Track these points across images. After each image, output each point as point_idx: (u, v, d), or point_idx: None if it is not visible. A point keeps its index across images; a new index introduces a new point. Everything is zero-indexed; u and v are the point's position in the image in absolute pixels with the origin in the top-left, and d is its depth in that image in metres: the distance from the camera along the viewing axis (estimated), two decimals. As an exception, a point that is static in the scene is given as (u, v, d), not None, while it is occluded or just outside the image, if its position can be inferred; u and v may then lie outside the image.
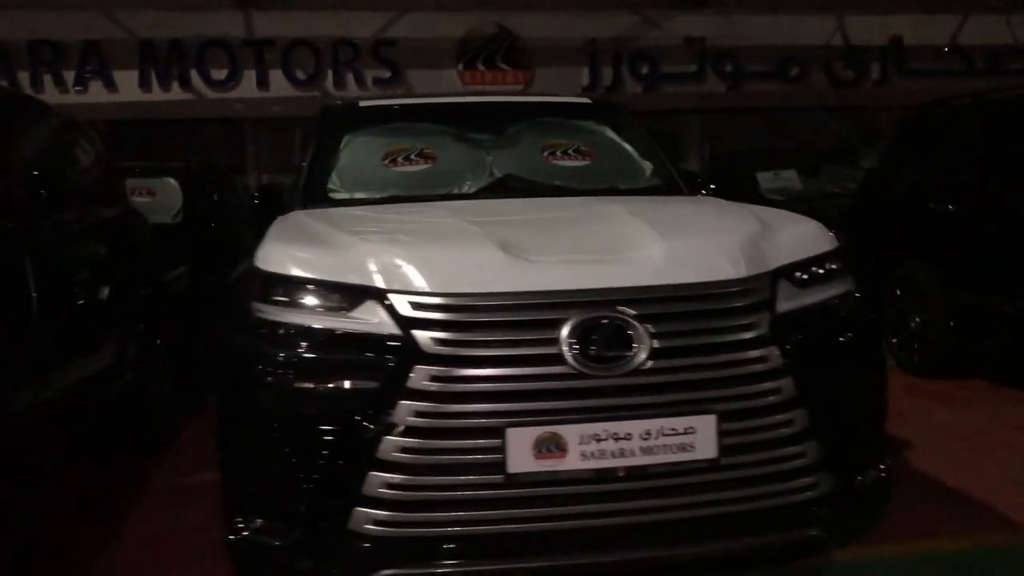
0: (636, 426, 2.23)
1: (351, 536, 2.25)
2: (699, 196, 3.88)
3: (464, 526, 2.22)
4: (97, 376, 3.91)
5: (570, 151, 3.97)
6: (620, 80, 12.61)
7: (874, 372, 2.64)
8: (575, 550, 2.25)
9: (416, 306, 2.30)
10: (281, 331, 2.40)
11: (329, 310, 2.39)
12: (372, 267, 2.41)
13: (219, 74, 11.92)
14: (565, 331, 2.25)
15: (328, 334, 2.36)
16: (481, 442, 2.21)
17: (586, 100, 4.69)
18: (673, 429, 2.24)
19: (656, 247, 2.47)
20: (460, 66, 12.29)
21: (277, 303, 2.44)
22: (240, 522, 2.42)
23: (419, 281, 2.34)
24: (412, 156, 3.88)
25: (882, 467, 2.61)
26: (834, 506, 2.42)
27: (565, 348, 2.24)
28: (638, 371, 2.24)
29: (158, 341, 4.80)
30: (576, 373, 2.23)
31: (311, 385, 2.34)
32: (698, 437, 2.26)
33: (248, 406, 2.42)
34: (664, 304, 2.32)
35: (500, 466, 2.20)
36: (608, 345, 2.24)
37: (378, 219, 3.12)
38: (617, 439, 2.22)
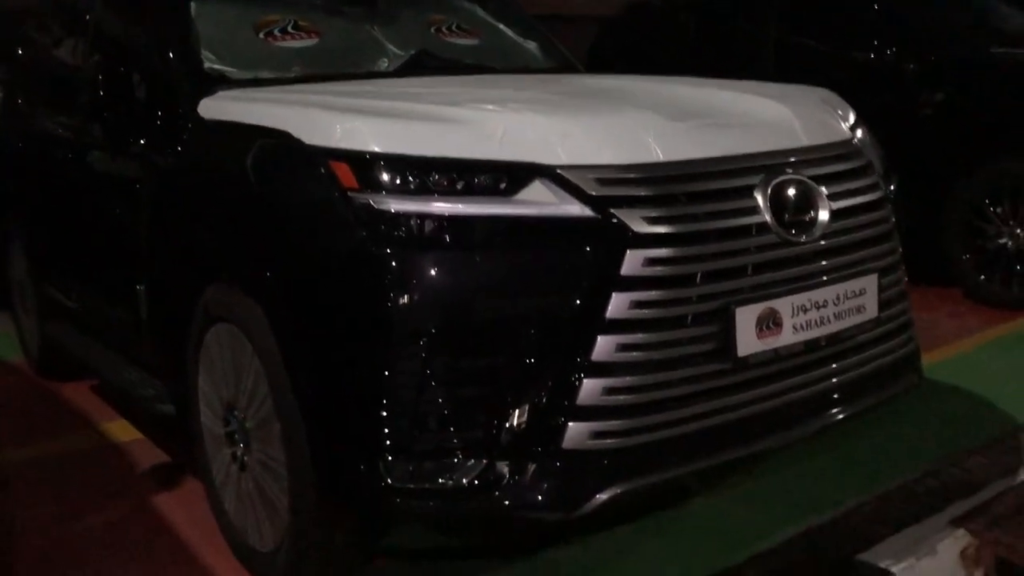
0: (830, 292, 2.15)
1: (567, 456, 1.90)
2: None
3: (694, 421, 1.99)
4: None
5: (454, 27, 3.59)
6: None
7: None
8: (784, 427, 2.14)
9: (605, 182, 1.95)
10: (429, 227, 1.89)
11: (486, 193, 1.93)
12: (527, 140, 1.98)
13: None
14: (760, 198, 2.07)
15: (499, 223, 1.91)
16: (709, 327, 1.97)
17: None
18: (853, 292, 2.20)
19: (775, 111, 2.34)
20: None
21: (405, 192, 1.92)
22: (391, 464, 1.91)
23: (601, 153, 1.98)
24: (288, 29, 3.22)
25: None
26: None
27: (768, 216, 2.06)
28: (825, 234, 2.15)
29: None
30: (781, 241, 2.07)
31: (492, 287, 1.90)
32: (867, 298, 2.24)
33: (398, 321, 1.87)
34: (826, 164, 2.23)
35: (729, 350, 1.99)
36: (799, 209, 2.12)
37: (409, 93, 2.54)
38: (818, 307, 2.13)
